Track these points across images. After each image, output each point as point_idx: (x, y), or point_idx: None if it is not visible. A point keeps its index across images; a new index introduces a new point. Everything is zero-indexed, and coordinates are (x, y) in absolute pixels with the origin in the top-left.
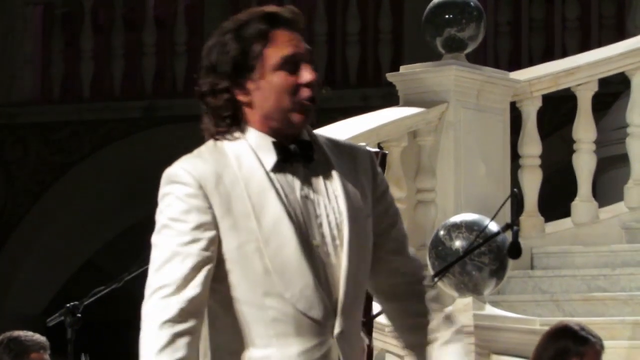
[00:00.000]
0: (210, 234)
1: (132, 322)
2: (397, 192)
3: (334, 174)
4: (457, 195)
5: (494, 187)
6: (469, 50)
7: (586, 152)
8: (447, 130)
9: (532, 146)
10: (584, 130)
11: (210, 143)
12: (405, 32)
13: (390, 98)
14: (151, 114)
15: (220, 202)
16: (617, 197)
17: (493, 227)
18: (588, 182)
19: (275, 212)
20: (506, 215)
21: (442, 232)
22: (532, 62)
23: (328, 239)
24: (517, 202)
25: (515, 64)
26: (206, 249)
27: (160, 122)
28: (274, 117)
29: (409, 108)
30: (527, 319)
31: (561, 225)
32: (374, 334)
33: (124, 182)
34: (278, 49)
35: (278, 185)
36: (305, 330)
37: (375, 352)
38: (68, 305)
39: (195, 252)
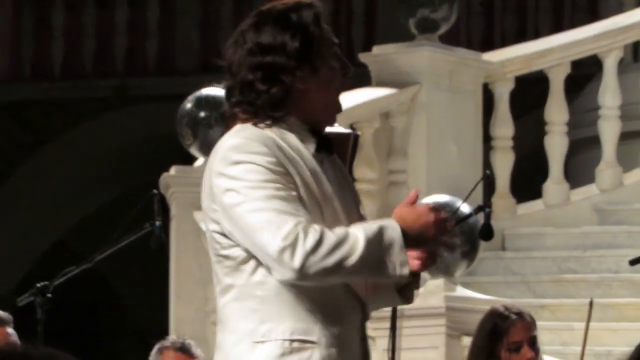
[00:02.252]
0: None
1: (101, 303)
2: (368, 173)
3: (341, 165)
4: (429, 177)
5: (465, 169)
6: (442, 31)
7: (558, 134)
8: (420, 112)
9: (504, 128)
10: (556, 112)
11: (248, 127)
12: (378, 13)
13: (362, 79)
14: (122, 93)
15: (293, 177)
16: (589, 179)
17: (465, 208)
18: (560, 163)
19: (327, 191)
20: (478, 196)
21: None
22: (504, 44)
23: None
24: (489, 183)
25: (488, 46)
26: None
27: (132, 101)
28: (323, 109)
29: (382, 89)
30: (498, 301)
31: (533, 206)
32: None
33: (95, 161)
34: (331, 43)
35: (322, 169)
36: (351, 306)
37: None
38: (38, 285)
39: (293, 194)
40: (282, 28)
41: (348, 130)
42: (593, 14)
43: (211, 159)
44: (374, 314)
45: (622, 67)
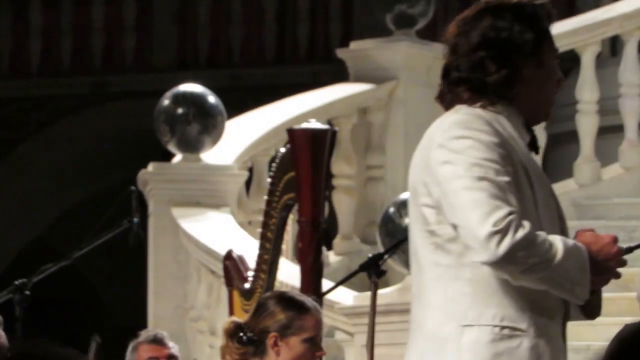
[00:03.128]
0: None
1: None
2: (346, 169)
3: (541, 170)
4: (406, 172)
5: None
6: (419, 26)
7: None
8: (397, 107)
9: None
10: None
11: (469, 109)
12: (355, 8)
13: (340, 74)
14: (100, 90)
15: (510, 161)
16: (567, 174)
17: None
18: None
19: (545, 188)
20: None
21: (392, 209)
22: None
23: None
24: None
25: None
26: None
27: (109, 97)
28: (539, 105)
29: (359, 84)
30: None
31: None
32: (324, 311)
33: (73, 158)
34: (555, 46)
35: (535, 163)
36: (556, 300)
37: (325, 329)
38: (16, 282)
39: (508, 179)
40: (518, 17)
41: (325, 126)
42: (570, 9)
43: (431, 133)
44: (349, 310)
45: (600, 61)
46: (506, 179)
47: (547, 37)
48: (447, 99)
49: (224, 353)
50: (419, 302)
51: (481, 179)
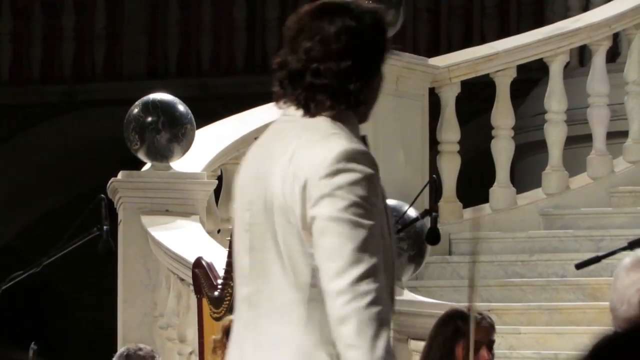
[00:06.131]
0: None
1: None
2: None
3: None
4: None
5: (412, 173)
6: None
7: (504, 139)
8: None
9: (450, 132)
10: (503, 116)
11: (332, 122)
12: None
13: None
14: (70, 98)
15: (381, 193)
16: (535, 184)
17: (412, 213)
18: (506, 168)
19: (385, 203)
20: (425, 201)
21: None
22: (451, 49)
23: None
24: (435, 188)
25: (434, 50)
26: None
27: (79, 106)
28: (370, 111)
29: None
30: (445, 305)
31: (479, 211)
32: None
33: (43, 166)
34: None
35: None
36: None
37: None
38: None
39: (381, 234)
40: (373, 23)
41: None
42: (539, 19)
43: (310, 154)
44: None
45: (568, 71)
46: (373, 222)
47: (388, 42)
48: (308, 107)
49: (216, 347)
50: (282, 318)
51: (355, 224)
